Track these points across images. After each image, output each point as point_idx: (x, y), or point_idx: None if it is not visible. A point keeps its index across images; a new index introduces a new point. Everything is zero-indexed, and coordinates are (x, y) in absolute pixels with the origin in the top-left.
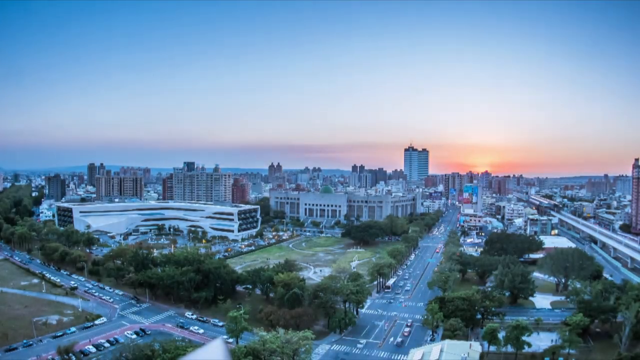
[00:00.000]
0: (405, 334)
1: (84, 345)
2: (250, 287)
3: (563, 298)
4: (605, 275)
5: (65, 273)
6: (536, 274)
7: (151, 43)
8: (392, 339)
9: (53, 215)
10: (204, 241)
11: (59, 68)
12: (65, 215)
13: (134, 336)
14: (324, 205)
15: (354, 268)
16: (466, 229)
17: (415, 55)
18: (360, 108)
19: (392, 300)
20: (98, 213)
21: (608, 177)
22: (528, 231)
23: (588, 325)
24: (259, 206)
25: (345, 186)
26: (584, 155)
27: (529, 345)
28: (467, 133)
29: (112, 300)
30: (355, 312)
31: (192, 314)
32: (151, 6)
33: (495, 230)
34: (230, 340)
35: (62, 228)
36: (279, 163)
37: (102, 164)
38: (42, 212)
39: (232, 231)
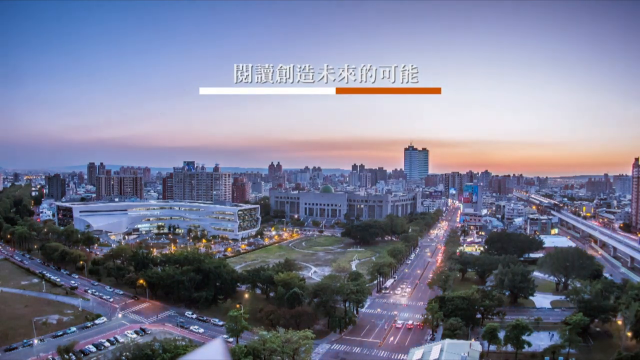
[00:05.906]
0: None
1: (84, 344)
2: (250, 286)
3: (563, 297)
4: (605, 274)
5: (65, 272)
6: (536, 274)
7: (150, 42)
8: (392, 339)
9: (53, 215)
10: (204, 241)
11: (58, 67)
12: (65, 215)
13: (134, 335)
14: (324, 205)
15: (354, 267)
16: (466, 228)
17: (415, 55)
18: (360, 107)
19: (392, 300)
20: (98, 212)
21: (608, 177)
22: (528, 230)
23: (588, 325)
24: (259, 205)
25: (345, 185)
26: (584, 155)
27: (529, 344)
28: (467, 132)
29: (112, 299)
30: (355, 312)
31: (192, 314)
32: (150, 6)
33: (495, 230)
34: (230, 339)
35: (62, 227)
36: (278, 162)
37: (102, 164)
38: (42, 212)
39: (232, 231)
